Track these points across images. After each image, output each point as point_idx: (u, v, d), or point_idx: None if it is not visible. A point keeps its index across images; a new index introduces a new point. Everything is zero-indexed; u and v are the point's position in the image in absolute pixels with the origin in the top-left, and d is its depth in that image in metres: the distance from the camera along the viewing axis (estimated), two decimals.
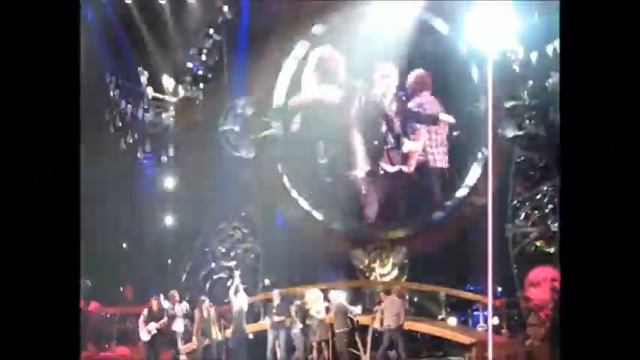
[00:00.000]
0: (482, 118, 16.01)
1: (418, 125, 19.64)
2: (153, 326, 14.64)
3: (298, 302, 15.38)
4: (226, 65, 19.81)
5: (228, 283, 17.11)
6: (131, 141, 19.76)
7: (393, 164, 19.70)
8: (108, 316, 18.66)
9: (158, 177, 20.21)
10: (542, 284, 14.58)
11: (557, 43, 15.91)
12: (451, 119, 19.42)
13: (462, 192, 19.23)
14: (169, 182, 20.06)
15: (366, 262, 19.42)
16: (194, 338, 15.47)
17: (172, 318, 15.28)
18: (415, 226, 19.64)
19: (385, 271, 19.35)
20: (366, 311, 16.19)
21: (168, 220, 20.05)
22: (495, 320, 15.58)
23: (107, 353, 17.65)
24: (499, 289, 17.63)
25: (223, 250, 19.63)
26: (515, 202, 18.40)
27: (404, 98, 19.69)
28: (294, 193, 19.84)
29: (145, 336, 14.74)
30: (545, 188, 18.14)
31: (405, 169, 19.62)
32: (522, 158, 18.47)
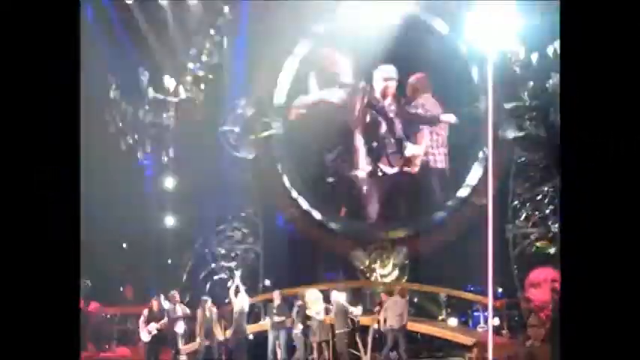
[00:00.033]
0: (483, 119, 16.02)
1: (420, 127, 19.65)
2: (153, 326, 14.62)
3: (300, 303, 15.38)
4: (227, 65, 19.82)
5: (229, 283, 17.10)
6: (131, 141, 19.78)
7: (392, 166, 19.72)
8: (108, 316, 18.65)
9: (158, 177, 20.18)
10: (542, 285, 14.53)
11: (557, 44, 15.93)
12: (452, 119, 19.43)
13: (463, 192, 19.23)
14: (169, 182, 20.04)
15: (367, 262, 19.42)
16: (197, 338, 15.47)
17: (173, 318, 15.26)
18: (416, 227, 19.64)
19: (386, 271, 19.35)
20: (367, 312, 16.19)
21: (169, 220, 20.03)
22: (496, 321, 15.60)
23: (107, 354, 17.63)
24: (499, 289, 17.65)
25: (223, 251, 19.65)
26: (515, 202, 18.44)
27: (404, 99, 19.71)
28: (294, 193, 19.84)
29: (145, 336, 14.73)
30: (545, 189, 18.18)
31: (406, 169, 19.64)
32: (523, 159, 18.49)
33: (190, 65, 19.80)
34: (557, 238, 16.60)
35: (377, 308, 15.69)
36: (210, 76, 19.94)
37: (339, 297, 15.21)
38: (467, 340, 15.26)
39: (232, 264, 19.23)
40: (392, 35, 18.57)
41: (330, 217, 19.95)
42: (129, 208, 18.62)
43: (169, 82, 19.72)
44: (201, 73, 19.85)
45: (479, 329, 16.49)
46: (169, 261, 20.07)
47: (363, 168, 19.89)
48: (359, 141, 19.88)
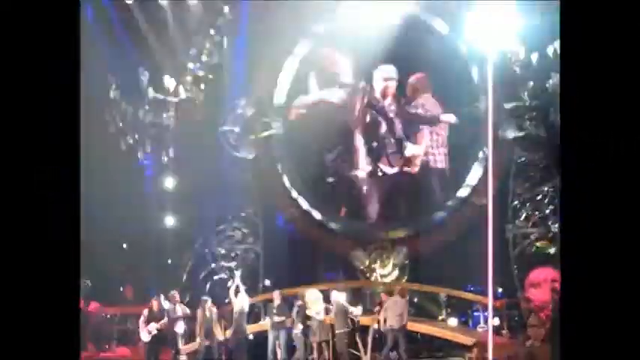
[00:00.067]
0: (483, 119, 16.02)
1: (420, 127, 19.65)
2: (153, 326, 14.62)
3: (300, 303, 15.38)
4: (227, 65, 19.82)
5: (229, 283, 17.10)
6: (131, 141, 19.77)
7: (392, 166, 19.72)
8: (108, 316, 18.64)
9: (158, 177, 20.18)
10: (542, 285, 14.53)
11: (557, 44, 15.93)
12: (452, 119, 19.43)
13: (463, 192, 19.23)
14: (169, 182, 20.03)
15: (367, 262, 19.42)
16: (197, 338, 15.46)
17: (173, 318, 15.26)
18: (416, 227, 19.64)
19: (386, 271, 19.34)
20: (367, 312, 16.19)
21: (169, 220, 20.03)
22: (496, 321, 15.60)
23: (107, 354, 17.62)
24: (499, 289, 17.64)
25: (223, 251, 19.64)
26: (515, 202, 18.43)
27: (404, 99, 19.71)
28: (294, 193, 19.83)
29: (145, 336, 14.73)
30: (545, 189, 18.17)
31: (406, 169, 19.64)
32: (523, 159, 18.48)
33: (190, 65, 19.79)
34: (557, 238, 16.60)
35: (377, 308, 15.68)
36: (210, 76, 19.94)
37: (339, 297, 15.21)
38: (467, 340, 15.26)
39: (232, 264, 19.23)
40: (392, 35, 18.57)
41: (330, 217, 19.95)
42: (129, 208, 18.61)
43: (169, 82, 19.72)
44: (201, 73, 19.85)
45: (479, 329, 16.49)
46: (169, 261, 20.07)
47: (363, 168, 19.89)
48: (359, 141, 19.88)
